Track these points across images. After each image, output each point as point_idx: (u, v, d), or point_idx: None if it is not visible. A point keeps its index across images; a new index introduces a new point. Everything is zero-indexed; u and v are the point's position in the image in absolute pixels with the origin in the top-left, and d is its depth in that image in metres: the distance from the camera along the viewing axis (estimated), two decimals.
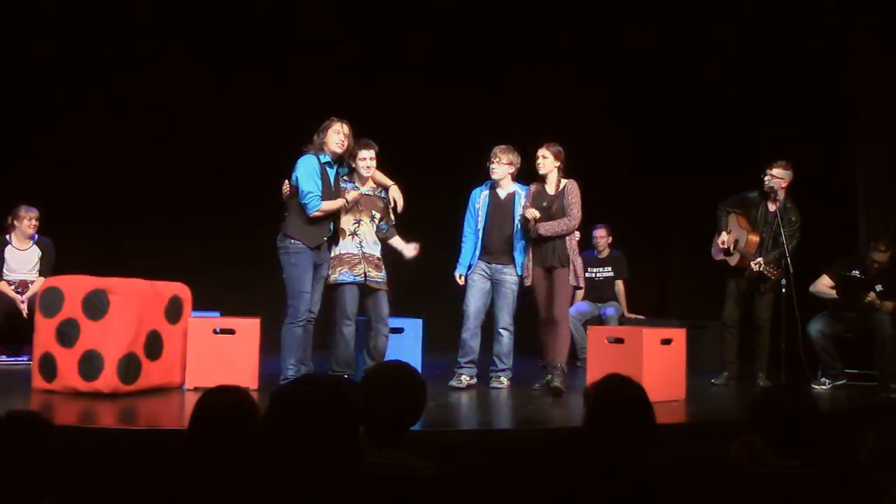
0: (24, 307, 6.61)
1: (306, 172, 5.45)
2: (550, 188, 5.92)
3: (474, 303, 5.97)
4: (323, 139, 5.57)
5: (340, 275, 5.66)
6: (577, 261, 5.88)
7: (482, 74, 8.72)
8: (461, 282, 6.09)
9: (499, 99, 8.72)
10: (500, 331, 5.98)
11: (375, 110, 7.94)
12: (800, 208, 6.48)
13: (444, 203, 7.01)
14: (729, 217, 6.65)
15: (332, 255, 5.70)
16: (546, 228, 5.79)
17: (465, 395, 5.65)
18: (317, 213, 5.46)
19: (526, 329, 6.30)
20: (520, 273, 5.97)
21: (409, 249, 6.04)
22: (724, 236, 6.60)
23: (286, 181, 5.60)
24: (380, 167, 5.88)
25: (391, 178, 5.95)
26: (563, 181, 5.91)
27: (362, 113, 6.46)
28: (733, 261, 6.55)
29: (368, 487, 1.92)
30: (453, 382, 5.84)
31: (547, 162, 5.89)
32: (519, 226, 5.97)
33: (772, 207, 6.47)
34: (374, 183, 5.89)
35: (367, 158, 5.76)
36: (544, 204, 5.87)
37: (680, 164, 8.54)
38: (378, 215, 5.87)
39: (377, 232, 5.88)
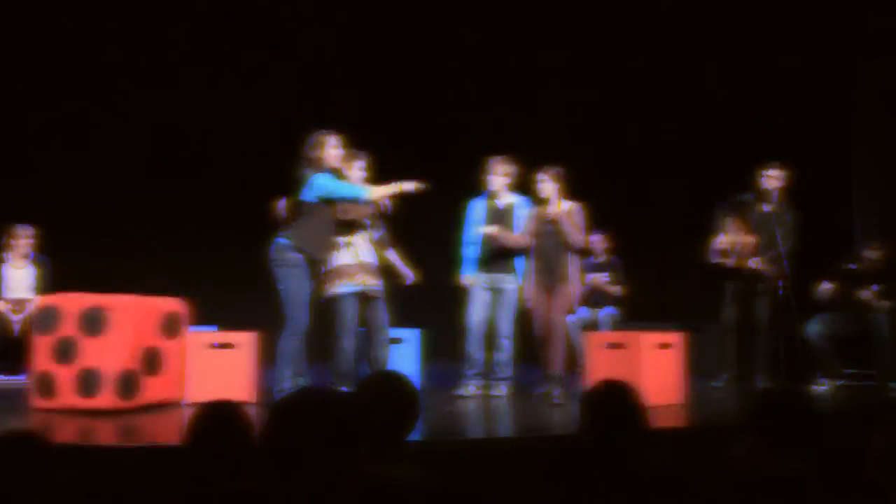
0: (15, 326, 6.61)
1: (332, 182, 5.44)
2: (553, 211, 5.91)
3: (476, 315, 6.00)
4: (320, 155, 5.50)
5: (340, 287, 5.63)
6: (577, 284, 5.89)
7: (476, 81, 8.74)
8: (469, 282, 6.09)
9: (496, 107, 8.74)
10: (503, 339, 6.00)
11: (370, 120, 7.94)
12: (796, 209, 6.50)
13: (440, 213, 7.00)
14: (725, 220, 6.66)
15: (329, 268, 5.67)
16: (562, 218, 5.78)
17: (466, 404, 5.65)
18: (372, 196, 5.51)
19: (526, 337, 6.31)
20: (521, 283, 5.99)
21: (406, 273, 6.07)
22: (721, 239, 6.61)
23: (281, 200, 5.59)
24: (373, 179, 5.87)
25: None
26: (568, 204, 5.92)
27: (357, 125, 6.47)
28: (731, 263, 6.56)
29: (367, 501, 1.91)
30: (460, 390, 5.86)
31: (546, 186, 5.90)
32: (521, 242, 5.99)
33: (767, 209, 6.49)
34: None
35: (362, 169, 5.78)
36: (549, 229, 5.88)
37: (676, 167, 8.56)
38: (369, 223, 5.87)
39: (371, 240, 5.87)
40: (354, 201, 5.55)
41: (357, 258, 5.70)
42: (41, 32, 7.96)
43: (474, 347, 5.97)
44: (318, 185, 5.41)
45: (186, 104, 8.26)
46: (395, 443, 2.37)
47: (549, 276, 5.87)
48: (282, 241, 5.40)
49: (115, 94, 8.18)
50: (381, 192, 5.58)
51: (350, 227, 5.72)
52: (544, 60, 8.76)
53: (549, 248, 5.89)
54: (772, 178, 6.47)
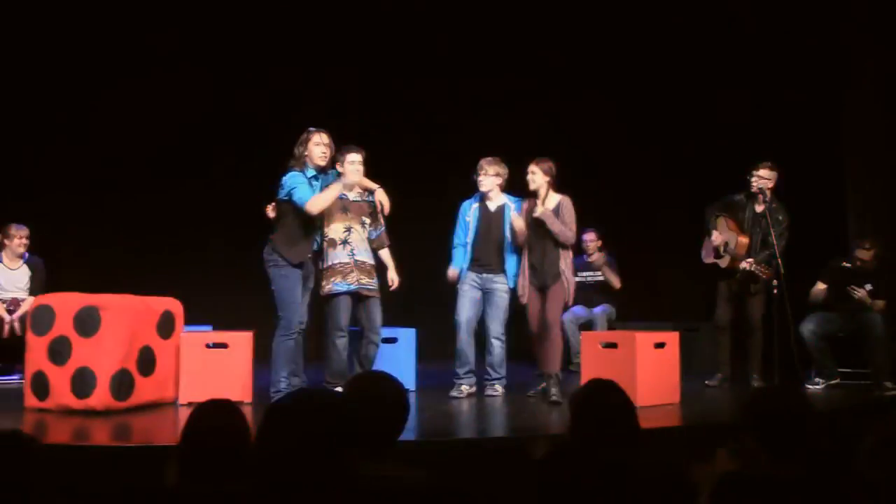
0: (13, 326, 6.59)
1: (297, 184, 5.39)
2: (538, 212, 5.87)
3: (465, 313, 5.98)
4: (304, 152, 5.51)
5: (334, 285, 5.62)
6: (571, 279, 5.86)
7: (471, 81, 8.74)
8: (453, 276, 6.07)
9: (488, 105, 8.74)
10: (493, 341, 5.99)
11: (365, 118, 7.94)
12: (788, 208, 6.51)
13: (435, 212, 7.00)
14: (717, 220, 6.67)
15: (325, 266, 5.67)
16: (549, 219, 5.75)
17: (460, 404, 5.65)
18: (312, 208, 5.36)
19: (519, 336, 6.31)
20: (511, 285, 5.98)
21: (393, 276, 5.99)
22: (714, 239, 6.63)
23: (269, 206, 5.58)
24: (370, 176, 5.84)
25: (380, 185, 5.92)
26: (557, 197, 5.89)
27: (351, 122, 6.47)
28: (724, 263, 6.58)
29: (360, 501, 1.91)
30: (454, 393, 5.85)
31: (536, 178, 5.86)
32: (510, 238, 5.97)
33: (759, 208, 6.50)
34: (360, 188, 5.84)
35: (355, 162, 5.69)
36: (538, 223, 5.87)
37: (669, 167, 8.58)
38: (368, 221, 5.86)
39: (368, 238, 5.86)
40: (300, 207, 5.40)
41: (352, 256, 5.69)
42: (40, 30, 7.94)
43: (464, 344, 5.96)
44: (285, 183, 5.42)
45: (184, 103, 8.24)
46: (386, 443, 2.37)
47: (541, 272, 5.85)
48: (272, 241, 5.44)
49: (113, 93, 8.15)
50: (326, 200, 5.43)
51: (312, 224, 5.60)
52: (541, 60, 8.75)
53: (539, 242, 5.88)
54: (763, 177, 6.48)
